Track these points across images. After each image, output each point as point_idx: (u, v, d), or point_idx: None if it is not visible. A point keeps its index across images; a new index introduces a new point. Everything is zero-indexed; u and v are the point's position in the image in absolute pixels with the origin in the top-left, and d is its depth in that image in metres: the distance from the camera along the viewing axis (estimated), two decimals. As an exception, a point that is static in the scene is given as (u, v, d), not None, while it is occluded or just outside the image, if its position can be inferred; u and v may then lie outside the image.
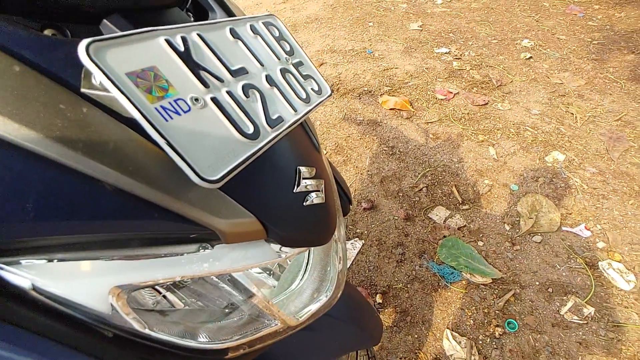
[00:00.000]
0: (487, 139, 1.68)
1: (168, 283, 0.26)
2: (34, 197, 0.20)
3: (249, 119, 0.26)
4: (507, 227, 1.32)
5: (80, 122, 0.21)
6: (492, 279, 1.16)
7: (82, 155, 0.20)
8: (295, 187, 0.31)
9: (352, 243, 1.29)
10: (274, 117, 0.28)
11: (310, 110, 0.33)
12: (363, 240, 1.30)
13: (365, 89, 2.04)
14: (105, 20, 0.26)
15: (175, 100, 0.22)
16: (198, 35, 0.26)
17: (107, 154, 0.21)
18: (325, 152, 1.65)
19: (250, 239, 0.28)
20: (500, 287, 1.15)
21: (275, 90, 0.30)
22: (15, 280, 0.21)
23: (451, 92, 1.96)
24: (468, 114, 1.83)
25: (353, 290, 0.63)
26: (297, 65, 0.35)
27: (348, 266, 1.22)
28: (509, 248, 1.25)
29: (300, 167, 0.32)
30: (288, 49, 0.35)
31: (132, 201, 0.22)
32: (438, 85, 2.03)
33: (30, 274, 0.21)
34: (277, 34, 0.35)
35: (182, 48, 0.24)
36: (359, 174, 1.55)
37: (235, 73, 0.27)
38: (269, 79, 0.30)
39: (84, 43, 0.19)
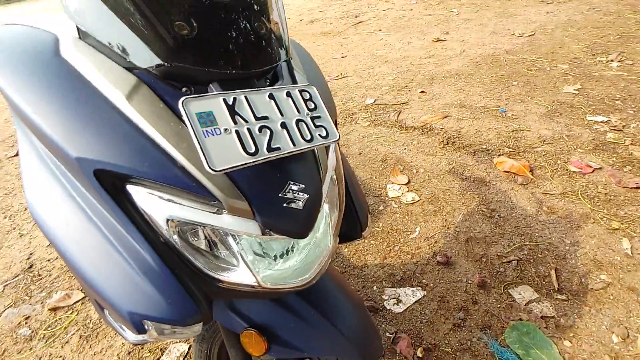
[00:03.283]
0: (623, 228, 1.37)
1: (195, 224, 0.47)
2: (148, 160, 0.44)
3: (254, 144, 0.45)
4: (615, 339, 1.06)
5: (177, 132, 0.45)
6: (567, 388, 0.97)
7: (173, 146, 0.44)
8: (282, 193, 0.48)
9: (412, 290, 1.29)
10: (274, 146, 0.46)
11: (310, 147, 0.50)
12: (425, 292, 1.28)
13: (484, 146, 1.97)
14: (210, 85, 0.50)
15: (214, 129, 0.43)
16: (245, 97, 0.47)
17: (182, 149, 0.44)
18: (409, 199, 1.70)
19: (244, 215, 0.47)
20: (576, 403, 0.94)
21: (285, 131, 0.49)
22: (131, 191, 0.45)
23: (590, 166, 1.68)
24: (606, 194, 1.53)
25: (359, 306, 0.72)
26: (314, 118, 0.53)
27: (401, 310, 1.23)
28: (607, 364, 1.00)
29: (291, 182, 0.49)
30: (312, 107, 0.53)
31: (185, 173, 0.44)
32: (576, 156, 1.77)
33: (137, 192, 0.45)
34: (307, 97, 0.54)
35: (230, 103, 0.45)
36: (445, 228, 1.53)
37: (258, 119, 0.47)
38: (282, 124, 0.49)
39: (182, 99, 0.42)
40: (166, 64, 0.44)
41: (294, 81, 0.61)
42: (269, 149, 0.46)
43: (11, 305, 1.45)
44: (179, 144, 0.44)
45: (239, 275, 0.51)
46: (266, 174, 0.48)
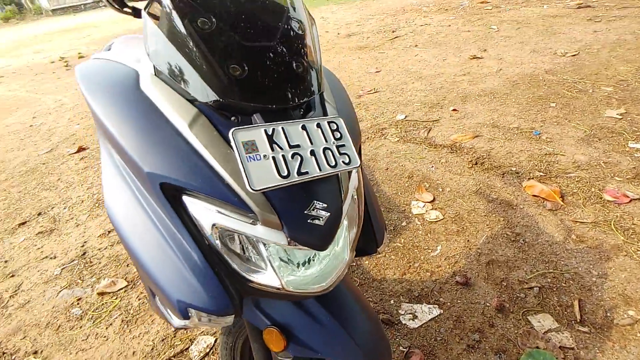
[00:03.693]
0: (658, 264, 1.32)
1: (234, 231, 0.56)
2: (201, 177, 0.54)
3: (287, 169, 0.54)
4: (638, 378, 1.03)
5: (226, 155, 0.55)
6: (581, 421, 0.96)
7: (221, 167, 0.54)
8: (307, 210, 0.56)
9: (429, 308, 1.32)
10: (303, 171, 0.55)
11: (334, 172, 0.58)
12: (442, 310, 1.31)
13: (513, 169, 1.96)
14: (254, 115, 0.60)
15: (255, 155, 0.52)
16: (282, 128, 0.56)
17: (229, 169, 0.54)
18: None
19: (274, 227, 0.55)
20: None
21: (313, 158, 0.57)
22: (186, 201, 0.56)
23: (627, 196, 1.62)
24: (642, 227, 1.47)
25: (372, 317, 0.78)
26: (339, 146, 0.61)
27: (417, 326, 1.26)
28: (627, 402, 0.98)
29: (315, 201, 0.57)
30: (338, 136, 0.62)
31: (229, 189, 0.54)
32: (612, 185, 1.72)
33: (191, 202, 0.55)
34: (334, 127, 0.62)
35: (270, 133, 0.55)
36: (467, 248, 1.54)
37: (292, 147, 0.56)
38: (311, 152, 0.57)
39: (232, 130, 0.52)
40: (221, 99, 0.55)
41: (325, 112, 0.70)
42: (299, 173, 0.54)
43: (66, 287, 1.65)
44: (226, 165, 0.54)
45: (266, 277, 0.59)
46: (295, 193, 0.57)
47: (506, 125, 2.39)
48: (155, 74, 0.61)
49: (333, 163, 0.58)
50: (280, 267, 0.60)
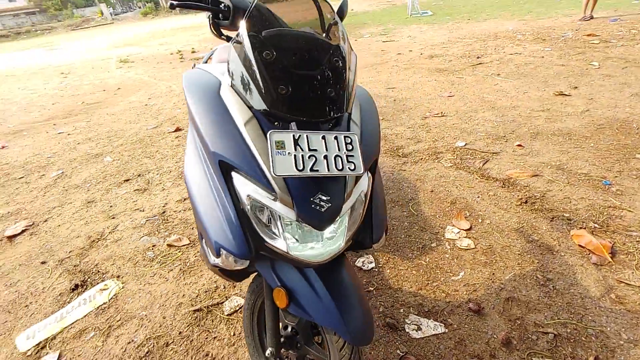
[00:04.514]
0: None
1: (260, 203, 0.78)
2: (246, 161, 0.77)
3: (303, 165, 0.74)
4: None
5: (264, 148, 0.77)
6: None
7: (260, 156, 0.76)
8: (313, 198, 0.76)
9: (435, 324, 1.39)
10: (315, 168, 0.74)
11: (339, 174, 0.76)
12: (447, 330, 1.37)
13: (566, 215, 1.87)
14: (291, 123, 0.81)
15: (282, 151, 0.73)
16: (306, 135, 0.77)
17: (264, 158, 0.76)
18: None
19: (288, 205, 0.76)
20: None
21: (325, 161, 0.76)
22: (233, 175, 0.79)
23: (693, 269, 1.45)
24: (700, 304, 1.33)
25: (362, 301, 0.93)
26: (349, 156, 0.79)
27: (418, 337, 1.35)
28: None
29: (320, 192, 0.76)
30: (350, 149, 0.80)
31: (262, 173, 0.76)
32: (680, 253, 1.55)
33: (236, 177, 0.79)
34: (348, 141, 0.80)
35: (296, 138, 0.75)
36: (489, 281, 1.56)
37: (310, 150, 0.76)
38: (324, 156, 0.76)
39: (270, 131, 0.74)
40: (269, 109, 0.78)
41: (349, 128, 0.89)
42: (311, 169, 0.74)
43: (147, 235, 2.09)
44: (263, 156, 0.77)
45: (277, 242, 0.80)
46: (306, 184, 0.77)
47: (574, 169, 2.25)
48: (230, 85, 0.87)
49: (340, 167, 0.77)
50: (292, 240, 0.80)
